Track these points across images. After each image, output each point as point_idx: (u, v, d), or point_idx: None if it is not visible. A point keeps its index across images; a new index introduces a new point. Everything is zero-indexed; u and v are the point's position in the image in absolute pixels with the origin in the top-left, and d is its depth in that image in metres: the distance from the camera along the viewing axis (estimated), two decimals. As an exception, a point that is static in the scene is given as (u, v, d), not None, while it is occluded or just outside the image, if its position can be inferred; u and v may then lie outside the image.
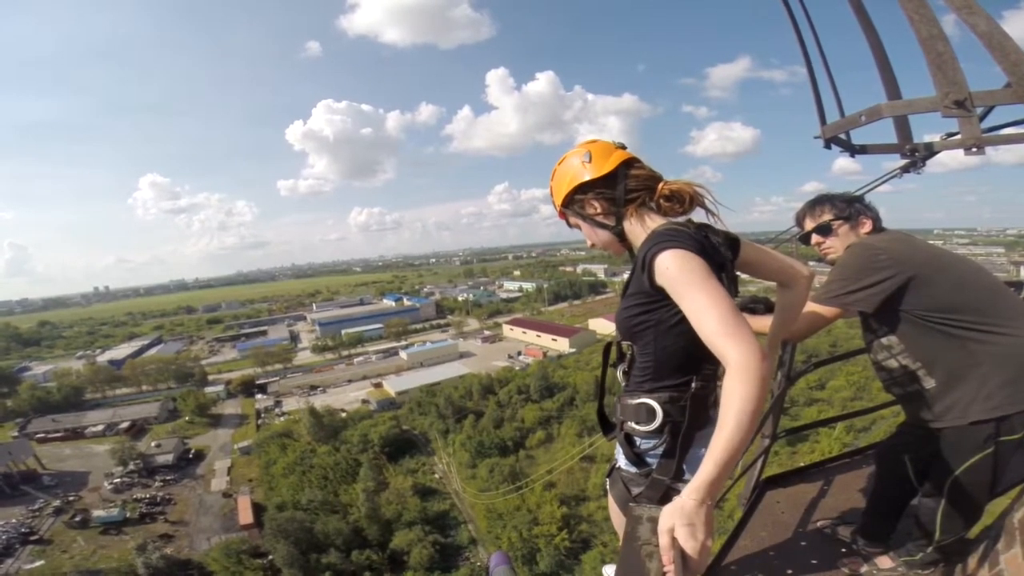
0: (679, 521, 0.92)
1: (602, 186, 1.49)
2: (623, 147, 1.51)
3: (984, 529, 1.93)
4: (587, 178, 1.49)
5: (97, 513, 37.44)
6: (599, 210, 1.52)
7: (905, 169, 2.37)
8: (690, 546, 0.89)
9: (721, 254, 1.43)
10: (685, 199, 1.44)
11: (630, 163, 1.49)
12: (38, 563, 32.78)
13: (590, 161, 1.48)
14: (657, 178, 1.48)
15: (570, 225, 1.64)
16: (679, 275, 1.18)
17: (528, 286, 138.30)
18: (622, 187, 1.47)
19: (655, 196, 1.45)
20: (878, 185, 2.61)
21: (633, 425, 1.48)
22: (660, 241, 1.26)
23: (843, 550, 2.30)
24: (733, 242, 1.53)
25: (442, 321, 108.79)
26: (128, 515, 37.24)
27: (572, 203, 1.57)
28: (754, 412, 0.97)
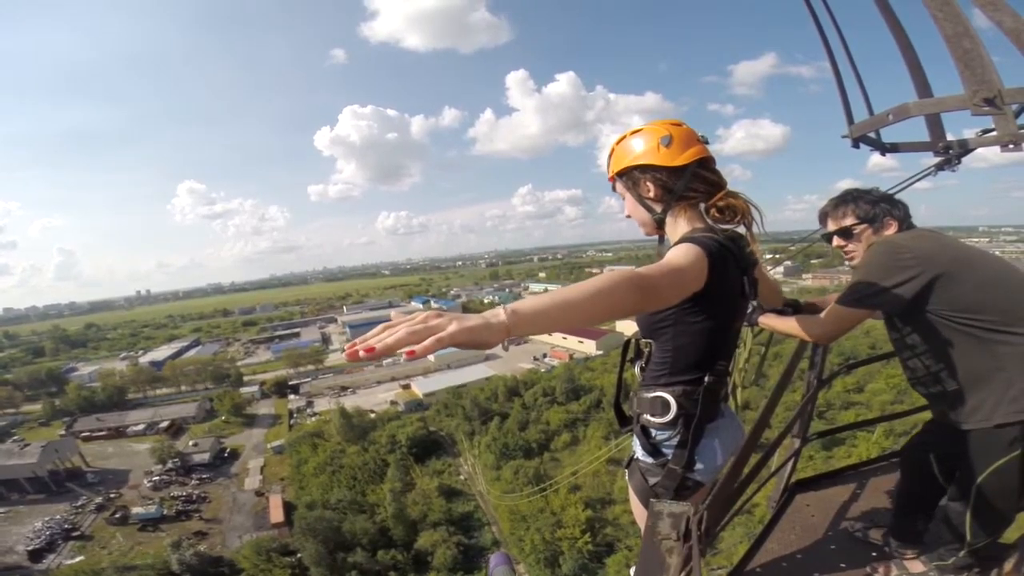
0: (459, 318, 0.85)
1: (666, 174, 1.47)
2: (706, 141, 1.50)
3: (1022, 535, 1.89)
4: (655, 162, 1.47)
5: (136, 510, 38.77)
6: (652, 194, 1.51)
7: (939, 167, 2.31)
8: (432, 324, 0.82)
9: (747, 259, 1.48)
10: (736, 216, 1.45)
11: (703, 162, 1.48)
12: (78, 558, 33.87)
13: (668, 146, 1.45)
14: (720, 185, 1.48)
15: (615, 190, 1.64)
16: (672, 251, 1.28)
17: (554, 288, 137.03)
18: (683, 183, 1.46)
19: (710, 203, 1.45)
20: (911, 184, 2.54)
21: (649, 417, 1.53)
22: (685, 240, 1.33)
23: (873, 553, 2.25)
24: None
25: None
26: (165, 512, 38.47)
27: (628, 175, 1.56)
28: (603, 291, 1.00)
